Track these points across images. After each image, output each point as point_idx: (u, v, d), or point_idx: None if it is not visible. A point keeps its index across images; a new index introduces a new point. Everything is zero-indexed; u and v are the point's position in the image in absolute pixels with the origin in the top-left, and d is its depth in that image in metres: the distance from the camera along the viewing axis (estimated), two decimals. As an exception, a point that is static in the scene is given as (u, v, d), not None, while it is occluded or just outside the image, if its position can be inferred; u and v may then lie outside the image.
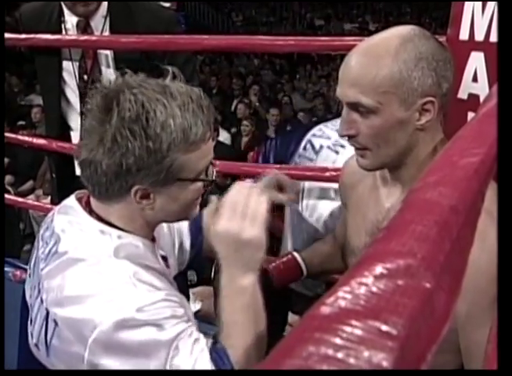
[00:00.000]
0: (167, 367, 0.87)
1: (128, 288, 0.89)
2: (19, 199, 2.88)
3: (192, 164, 0.94)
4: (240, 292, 0.94)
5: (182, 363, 0.88)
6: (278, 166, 1.61)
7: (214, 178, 1.01)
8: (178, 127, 0.90)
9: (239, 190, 0.97)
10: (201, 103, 0.94)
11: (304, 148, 1.67)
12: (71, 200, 1.02)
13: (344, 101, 0.99)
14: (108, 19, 1.88)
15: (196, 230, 1.29)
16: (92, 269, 0.91)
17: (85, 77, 1.90)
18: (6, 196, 2.68)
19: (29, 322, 0.99)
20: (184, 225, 1.28)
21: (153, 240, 1.06)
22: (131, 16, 1.87)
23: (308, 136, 1.68)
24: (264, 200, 0.96)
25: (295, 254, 1.39)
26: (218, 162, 1.75)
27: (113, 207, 0.97)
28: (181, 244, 1.27)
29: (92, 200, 1.00)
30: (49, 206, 2.17)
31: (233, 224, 0.93)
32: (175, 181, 0.94)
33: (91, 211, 0.99)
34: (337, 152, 1.61)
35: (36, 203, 2.92)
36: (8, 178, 5.23)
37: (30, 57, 2.09)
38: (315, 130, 1.69)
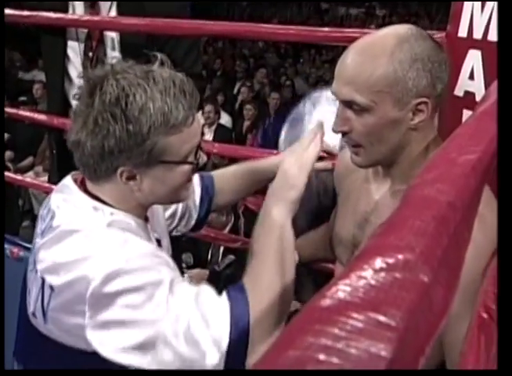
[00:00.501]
0: (169, 301, 0.90)
1: (117, 248, 0.93)
2: (19, 177, 2.88)
3: (174, 147, 0.97)
4: (271, 223, 0.99)
5: (183, 295, 0.92)
6: (275, 152, 1.62)
7: (199, 161, 1.03)
8: (157, 110, 0.93)
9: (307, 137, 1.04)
10: (184, 88, 0.97)
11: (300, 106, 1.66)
12: (67, 180, 1.06)
13: (338, 98, 1.00)
14: (115, 2, 1.86)
15: (208, 186, 1.33)
16: (85, 238, 0.94)
17: (90, 54, 1.89)
18: (5, 173, 2.68)
19: (27, 293, 1.02)
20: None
21: (147, 220, 1.09)
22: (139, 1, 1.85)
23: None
24: (317, 146, 1.03)
25: None
26: (216, 144, 1.76)
27: (104, 187, 1.01)
28: (187, 204, 1.30)
29: (86, 181, 1.03)
30: (47, 185, 2.17)
31: (288, 160, 1.03)
32: (158, 163, 0.97)
33: (85, 191, 1.02)
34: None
35: (34, 181, 2.92)
36: (7, 154, 5.22)
37: (36, 35, 2.07)
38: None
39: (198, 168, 1.06)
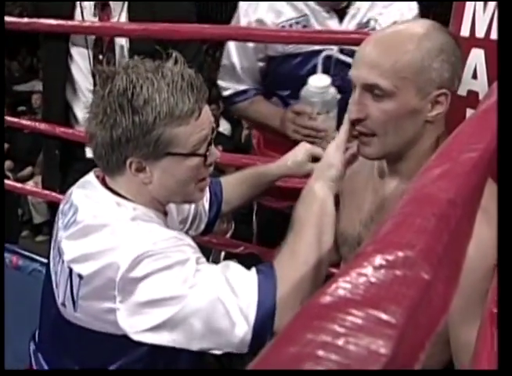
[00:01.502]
0: (196, 276, 0.92)
1: (143, 235, 0.96)
2: (18, 185, 2.88)
3: (181, 138, 0.99)
4: (311, 199, 1.02)
5: (210, 269, 0.95)
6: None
7: (207, 155, 1.03)
8: (163, 101, 0.96)
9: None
10: (192, 82, 0.99)
11: None
12: (90, 176, 1.10)
13: (359, 83, 0.99)
14: (127, 3, 1.87)
15: (216, 191, 1.35)
16: (110, 229, 0.97)
17: (100, 57, 1.88)
18: (5, 181, 2.67)
19: (55, 287, 1.05)
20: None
21: (166, 214, 1.12)
22: (150, 2, 1.86)
23: None
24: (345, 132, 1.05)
25: None
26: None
27: (118, 181, 1.04)
28: (197, 209, 1.32)
29: (105, 176, 1.07)
30: (47, 192, 2.16)
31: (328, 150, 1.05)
32: (166, 155, 0.99)
33: (107, 187, 1.05)
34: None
35: (34, 189, 2.92)
36: (7, 163, 5.23)
37: (35, 44, 2.06)
38: None
39: (209, 165, 1.06)
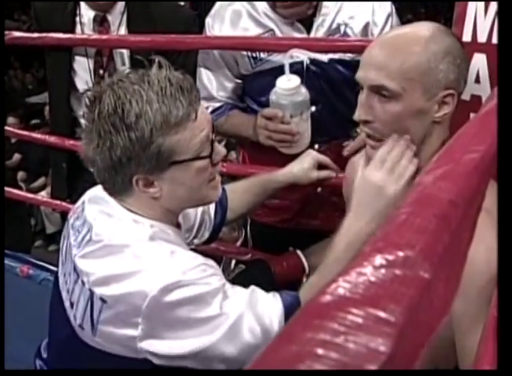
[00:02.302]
0: (223, 307, 0.92)
1: (170, 261, 0.94)
2: (30, 195, 2.91)
3: (182, 145, 0.96)
4: (360, 236, 0.98)
5: (237, 298, 0.95)
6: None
7: (212, 154, 1.01)
8: (155, 112, 0.93)
9: (392, 147, 0.99)
10: (181, 84, 0.96)
11: None
12: (100, 191, 1.06)
13: (366, 84, 0.99)
14: (125, 15, 1.89)
15: (222, 199, 1.32)
16: (131, 251, 0.95)
17: (101, 71, 1.91)
18: (17, 192, 2.71)
19: (68, 306, 1.03)
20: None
21: (179, 226, 1.10)
22: (149, 14, 1.88)
23: None
24: (415, 163, 0.99)
25: (298, 252, 1.41)
26: (224, 163, 1.76)
27: (127, 201, 1.01)
28: (202, 218, 1.30)
29: (114, 199, 1.04)
30: (58, 202, 2.18)
31: (380, 175, 0.99)
32: (171, 165, 0.97)
33: (120, 200, 1.03)
34: None
35: (46, 199, 2.94)
36: (20, 174, 5.28)
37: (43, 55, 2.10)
38: None
39: (216, 164, 1.04)
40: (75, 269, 1.01)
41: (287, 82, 1.38)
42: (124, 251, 0.95)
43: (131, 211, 1.01)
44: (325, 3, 1.55)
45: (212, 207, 1.31)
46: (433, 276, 0.38)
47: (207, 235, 1.33)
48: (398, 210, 0.44)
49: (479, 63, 1.04)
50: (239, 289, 0.98)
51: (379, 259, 0.38)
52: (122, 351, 0.95)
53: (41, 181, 5.42)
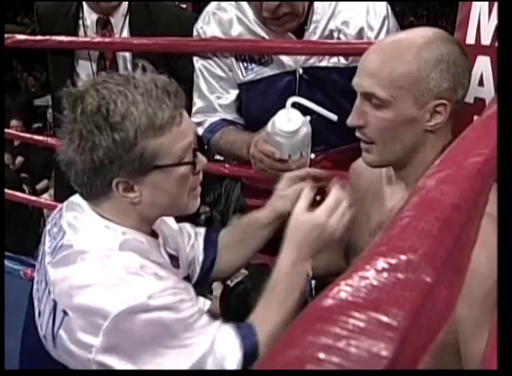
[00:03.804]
0: (185, 347, 0.90)
1: (137, 278, 0.91)
2: (33, 197, 2.92)
3: (166, 149, 0.94)
4: (300, 274, 1.01)
5: (200, 340, 0.92)
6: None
7: (196, 162, 0.98)
8: (141, 113, 0.91)
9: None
10: (167, 88, 0.94)
11: None
12: (77, 198, 1.04)
13: (358, 91, 1.01)
14: (128, 18, 1.90)
15: (211, 250, 1.25)
16: (99, 260, 0.92)
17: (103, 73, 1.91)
18: (20, 194, 2.71)
19: (37, 315, 1.00)
20: (200, 243, 1.25)
21: (155, 235, 1.06)
22: (151, 16, 1.88)
23: None
24: (348, 213, 1.05)
25: None
26: (227, 165, 1.76)
27: (103, 205, 0.98)
28: (193, 259, 1.23)
29: (88, 203, 1.01)
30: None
31: (323, 213, 1.02)
32: (153, 169, 0.94)
33: (95, 205, 1.00)
34: None
35: (49, 202, 2.95)
36: (23, 176, 5.29)
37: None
38: None
39: (197, 173, 1.01)
40: (45, 277, 0.98)
41: (287, 123, 1.21)
42: (88, 260, 0.92)
43: (104, 218, 0.98)
44: (316, 9, 1.53)
45: (201, 252, 1.23)
46: (436, 281, 0.38)
47: (195, 277, 1.23)
48: (401, 213, 0.44)
49: (483, 65, 1.04)
50: (205, 322, 0.94)
51: (381, 263, 0.38)
52: (77, 366, 0.92)
53: (44, 183, 5.42)
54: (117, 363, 0.88)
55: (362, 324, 0.32)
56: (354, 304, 0.34)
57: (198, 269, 1.23)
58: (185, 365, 0.89)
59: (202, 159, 1.01)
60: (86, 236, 0.96)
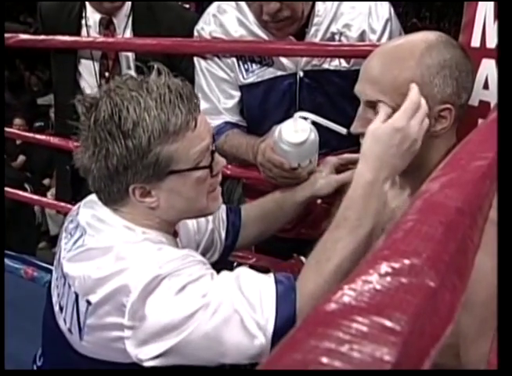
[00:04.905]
0: (208, 295, 0.89)
1: (152, 255, 0.92)
2: (35, 196, 2.92)
3: (181, 154, 0.93)
4: (379, 198, 0.95)
5: (223, 284, 0.91)
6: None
7: (212, 165, 0.98)
8: (153, 119, 0.90)
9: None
10: (181, 92, 0.93)
11: None
12: (96, 197, 1.03)
13: (362, 98, 1.00)
14: (131, 18, 1.90)
15: (235, 220, 1.26)
16: (118, 253, 0.93)
17: (106, 74, 1.91)
18: (22, 193, 2.71)
19: (58, 310, 1.01)
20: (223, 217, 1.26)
21: (176, 234, 1.07)
22: (154, 17, 1.88)
23: None
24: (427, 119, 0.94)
25: (301, 258, 1.40)
26: (229, 166, 1.75)
27: (122, 211, 0.98)
28: (212, 236, 1.24)
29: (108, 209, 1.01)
30: (63, 204, 2.19)
31: (403, 116, 0.91)
32: (169, 174, 0.94)
33: (115, 209, 1.00)
34: None
35: (51, 201, 2.95)
36: (25, 175, 5.30)
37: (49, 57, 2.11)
38: None
39: (216, 175, 1.01)
40: (63, 271, 0.99)
41: (295, 135, 1.20)
42: (109, 254, 0.93)
43: (124, 219, 0.98)
44: (317, 12, 1.52)
45: (224, 227, 1.25)
46: (439, 285, 0.37)
47: (216, 256, 1.26)
48: (405, 217, 0.44)
49: (488, 68, 1.03)
50: (226, 277, 0.93)
51: (385, 267, 0.37)
52: (110, 355, 0.93)
53: (45, 182, 5.43)
54: (153, 340, 0.89)
55: (365, 329, 0.32)
56: (357, 308, 0.34)
57: (223, 239, 1.25)
58: (217, 320, 0.88)
59: (220, 160, 1.01)
60: (106, 235, 0.97)
